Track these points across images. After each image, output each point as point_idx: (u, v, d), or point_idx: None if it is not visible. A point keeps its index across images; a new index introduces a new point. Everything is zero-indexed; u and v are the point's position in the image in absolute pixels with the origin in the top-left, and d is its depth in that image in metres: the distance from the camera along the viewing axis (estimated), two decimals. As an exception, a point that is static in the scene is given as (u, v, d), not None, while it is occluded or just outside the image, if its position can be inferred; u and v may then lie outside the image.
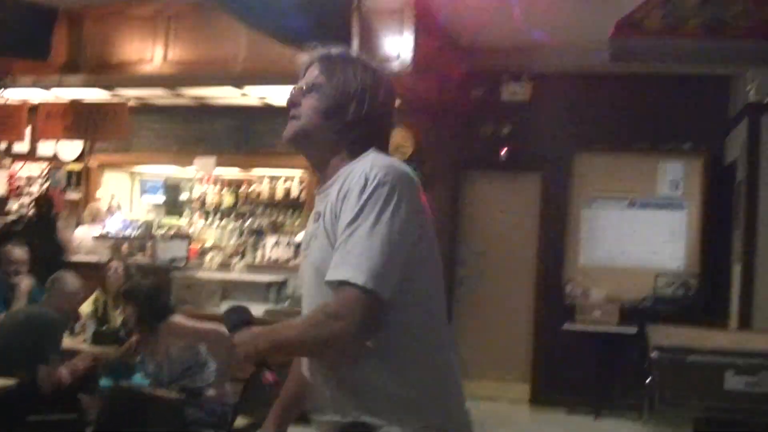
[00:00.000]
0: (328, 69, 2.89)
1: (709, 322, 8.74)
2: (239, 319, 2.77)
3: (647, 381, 6.42)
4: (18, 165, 13.51)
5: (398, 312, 2.64)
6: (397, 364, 2.69)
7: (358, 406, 2.71)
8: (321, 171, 2.92)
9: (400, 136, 11.36)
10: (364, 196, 2.61)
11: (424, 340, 2.75)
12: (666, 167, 10.20)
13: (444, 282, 2.88)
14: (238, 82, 10.41)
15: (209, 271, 10.90)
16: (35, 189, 13.35)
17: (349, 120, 2.85)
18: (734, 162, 8.82)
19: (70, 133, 11.71)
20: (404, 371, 2.69)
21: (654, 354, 6.22)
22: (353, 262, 2.54)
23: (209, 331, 6.71)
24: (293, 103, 2.90)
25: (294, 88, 2.93)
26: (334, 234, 2.68)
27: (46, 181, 13.32)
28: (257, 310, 9.09)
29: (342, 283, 2.54)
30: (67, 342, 7.35)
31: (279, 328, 2.79)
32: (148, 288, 6.92)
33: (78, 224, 12.53)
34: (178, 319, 6.81)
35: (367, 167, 2.67)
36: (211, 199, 12.92)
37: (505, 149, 11.18)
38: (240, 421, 6.41)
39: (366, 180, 2.63)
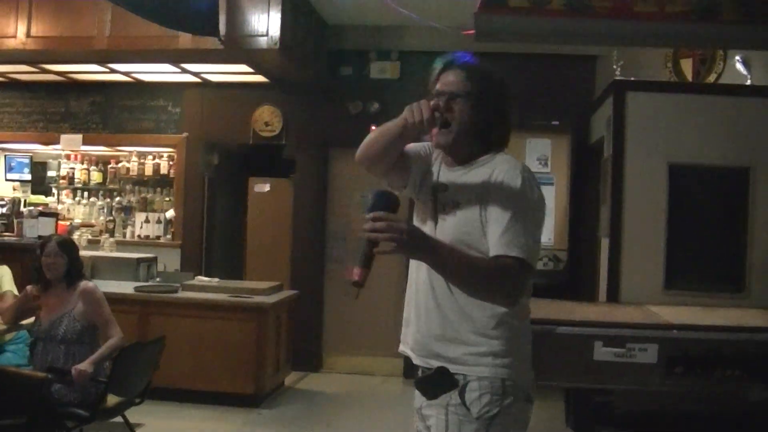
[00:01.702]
0: (475, 78, 3.38)
1: (578, 296, 8.88)
2: (387, 201, 3.07)
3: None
4: None
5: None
6: (510, 326, 3.29)
7: (443, 349, 3.29)
8: (453, 154, 3.45)
9: (268, 113, 11.34)
10: (524, 194, 3.22)
11: (526, 308, 3.42)
12: (534, 144, 10.32)
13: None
14: (103, 58, 10.26)
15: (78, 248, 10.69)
16: None
17: (494, 128, 3.39)
18: (601, 139, 8.96)
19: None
20: (499, 321, 3.26)
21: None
22: (522, 243, 3.14)
23: (107, 313, 6.67)
24: (441, 108, 3.33)
25: (438, 93, 3.39)
26: (485, 210, 3.24)
27: None
28: (127, 287, 9.00)
29: (517, 259, 3.12)
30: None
31: (467, 254, 3.20)
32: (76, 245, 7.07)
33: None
34: (93, 285, 6.75)
35: (516, 167, 3.29)
36: (78, 177, 12.73)
37: (374, 126, 11.14)
38: (112, 400, 6.33)
39: (521, 180, 3.23)
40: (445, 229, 3.32)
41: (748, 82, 8.07)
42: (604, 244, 8.44)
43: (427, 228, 3.38)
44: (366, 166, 3.58)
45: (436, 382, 3.22)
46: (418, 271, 3.43)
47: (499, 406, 3.15)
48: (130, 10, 8.27)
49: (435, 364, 3.26)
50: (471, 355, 3.21)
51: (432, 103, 3.29)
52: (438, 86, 3.42)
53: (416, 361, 3.39)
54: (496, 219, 3.18)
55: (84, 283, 6.70)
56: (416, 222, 3.52)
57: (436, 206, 3.42)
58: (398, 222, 2.98)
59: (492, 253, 3.16)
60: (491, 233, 3.19)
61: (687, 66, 8.88)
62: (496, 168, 3.27)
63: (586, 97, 10.61)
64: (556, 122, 10.40)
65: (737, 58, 8.13)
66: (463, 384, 3.18)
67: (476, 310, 3.23)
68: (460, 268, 3.11)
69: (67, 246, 6.80)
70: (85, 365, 6.18)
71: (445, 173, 3.45)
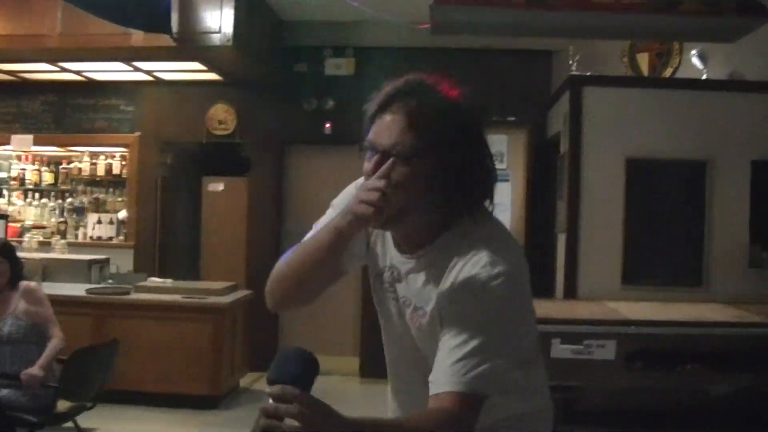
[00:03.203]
0: (425, 127, 2.32)
1: (535, 293, 8.81)
2: (309, 372, 2.32)
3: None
4: None
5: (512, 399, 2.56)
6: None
7: None
8: (405, 233, 2.50)
9: (222, 111, 11.24)
10: (485, 306, 2.28)
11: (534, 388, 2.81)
12: (490, 140, 10.19)
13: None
14: (55, 57, 10.12)
15: (29, 250, 10.56)
16: None
17: (456, 188, 2.37)
18: (557, 134, 8.93)
19: None
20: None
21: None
22: (471, 374, 2.22)
23: (49, 312, 6.62)
24: (378, 174, 2.32)
25: (373, 148, 2.39)
26: (440, 317, 2.37)
27: None
28: (79, 289, 8.88)
29: (461, 394, 2.21)
30: None
31: (384, 427, 2.30)
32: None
33: None
34: (35, 285, 6.70)
35: (486, 261, 2.31)
36: (30, 178, 12.58)
37: (329, 124, 11.12)
38: (63, 405, 6.22)
39: (486, 284, 2.29)
40: (422, 337, 2.52)
41: (705, 77, 8.08)
42: (561, 239, 8.41)
43: (398, 332, 2.66)
44: (286, 309, 2.70)
45: None
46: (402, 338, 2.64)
47: None
48: (82, 8, 8.17)
49: None
50: None
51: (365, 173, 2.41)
52: (370, 135, 2.42)
53: None
54: (445, 338, 2.32)
55: (25, 283, 6.68)
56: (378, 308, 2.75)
57: (398, 301, 2.59)
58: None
59: (431, 390, 2.28)
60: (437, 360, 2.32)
61: (643, 60, 8.87)
62: (463, 263, 2.35)
63: (542, 93, 10.59)
64: (512, 118, 10.37)
65: (693, 52, 8.13)
66: None
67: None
68: None
69: (7, 250, 6.76)
70: (35, 370, 6.08)
71: (394, 255, 2.57)
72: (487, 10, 5.75)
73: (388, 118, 2.35)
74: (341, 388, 10.34)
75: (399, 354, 2.73)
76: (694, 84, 8.01)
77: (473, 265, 2.31)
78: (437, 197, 2.34)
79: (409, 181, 2.29)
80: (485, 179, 2.47)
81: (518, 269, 2.42)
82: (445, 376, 2.24)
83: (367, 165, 2.38)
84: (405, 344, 2.61)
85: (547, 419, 2.87)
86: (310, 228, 2.63)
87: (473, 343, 2.24)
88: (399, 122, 2.32)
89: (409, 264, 2.49)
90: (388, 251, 2.58)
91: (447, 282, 2.35)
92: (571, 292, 7.97)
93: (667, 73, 8.60)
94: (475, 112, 2.48)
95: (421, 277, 2.46)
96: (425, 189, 2.32)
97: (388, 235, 2.57)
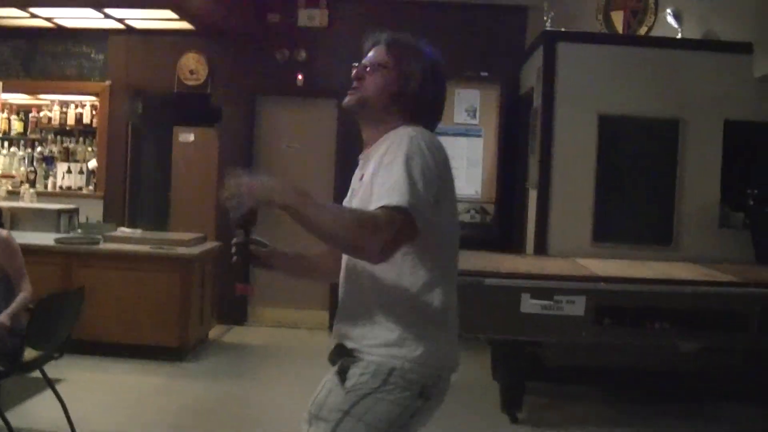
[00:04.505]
0: (395, 52, 3.20)
1: (506, 249, 8.84)
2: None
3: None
4: None
5: (419, 248, 2.94)
6: (401, 295, 2.98)
7: (347, 329, 3.05)
8: (370, 138, 3.20)
9: (193, 61, 11.15)
10: (403, 144, 2.88)
11: (441, 293, 3.01)
12: (462, 95, 10.23)
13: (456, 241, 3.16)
14: (24, 2, 9.92)
15: (-3, 199, 10.47)
16: None
17: (406, 100, 3.14)
18: (530, 90, 8.91)
19: None
20: (402, 305, 2.97)
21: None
22: (393, 187, 2.78)
23: (20, 264, 6.48)
24: (358, 77, 3.21)
25: (359, 65, 3.24)
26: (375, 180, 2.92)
27: None
28: (48, 239, 8.82)
29: (383, 207, 2.76)
30: None
31: (319, 204, 2.80)
32: None
33: None
34: (6, 234, 6.55)
35: (409, 129, 2.98)
36: (-2, 126, 12.40)
37: (301, 75, 11.06)
38: (29, 354, 6.18)
39: (405, 136, 2.93)
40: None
41: (679, 35, 8.07)
42: (533, 195, 8.42)
43: None
44: None
45: (337, 354, 3.07)
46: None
47: (372, 389, 2.92)
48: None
49: (343, 342, 3.09)
50: (367, 343, 2.98)
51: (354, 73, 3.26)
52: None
53: (332, 338, 3.20)
54: (377, 182, 2.90)
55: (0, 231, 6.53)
56: None
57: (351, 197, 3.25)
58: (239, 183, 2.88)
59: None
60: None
61: (618, 18, 8.87)
62: (391, 136, 3.03)
63: (516, 49, 10.53)
64: (485, 73, 10.33)
65: (668, 11, 8.13)
66: (356, 360, 2.98)
67: (377, 293, 3.00)
68: (318, 211, 2.78)
69: None
70: (2, 317, 6.03)
71: (360, 164, 3.24)
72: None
73: (372, 49, 3.26)
74: (310, 341, 10.37)
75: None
76: (668, 43, 8.02)
77: (397, 132, 3.02)
78: (393, 101, 3.14)
79: (377, 78, 3.16)
80: (432, 107, 3.24)
81: (428, 134, 3.02)
82: (376, 197, 2.82)
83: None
84: None
85: (426, 363, 3.00)
86: (281, 179, 2.88)
87: (395, 171, 2.82)
88: (379, 49, 3.23)
89: (364, 158, 3.19)
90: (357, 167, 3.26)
91: (380, 150, 2.99)
92: (541, 249, 8.00)
93: (642, 31, 8.60)
94: (438, 58, 3.25)
95: (368, 162, 3.09)
96: (384, 88, 3.14)
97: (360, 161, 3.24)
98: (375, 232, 2.72)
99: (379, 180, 2.85)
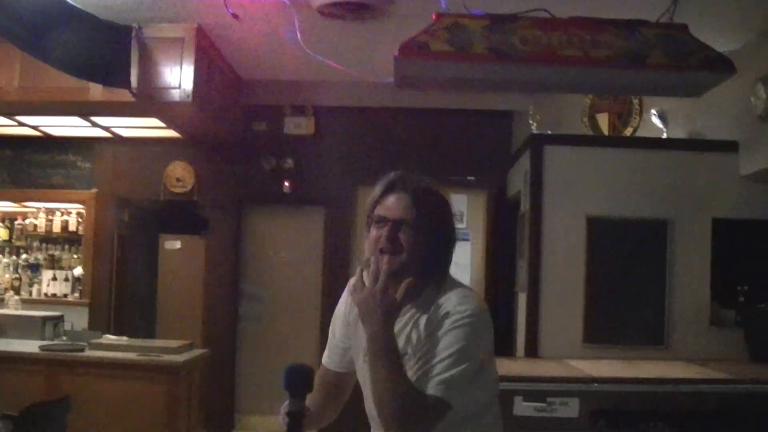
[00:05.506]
0: (416, 201, 3.13)
1: (496, 352, 8.76)
2: (303, 381, 3.12)
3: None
4: None
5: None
6: None
7: None
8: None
9: (180, 169, 11.18)
10: (458, 327, 3.01)
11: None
12: (450, 199, 10.20)
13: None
14: (12, 110, 9.97)
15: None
16: None
17: (441, 248, 3.20)
18: (518, 193, 8.93)
19: None
20: None
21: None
22: (445, 380, 2.90)
23: None
24: (392, 239, 3.06)
25: (376, 221, 3.14)
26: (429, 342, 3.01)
27: None
28: (32, 346, 8.72)
29: (433, 397, 2.86)
30: None
31: (393, 368, 2.91)
32: None
33: None
34: None
35: (461, 298, 3.11)
36: (-17, 234, 12.37)
37: (288, 183, 11.08)
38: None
39: (461, 312, 3.04)
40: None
41: (664, 136, 8.12)
42: (522, 298, 8.38)
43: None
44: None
45: None
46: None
47: None
48: (40, 59, 8.07)
49: None
50: None
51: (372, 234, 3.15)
52: (379, 211, 3.17)
53: None
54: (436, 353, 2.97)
55: None
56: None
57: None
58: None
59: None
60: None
61: (603, 120, 8.94)
62: (446, 302, 3.08)
63: (502, 153, 10.62)
64: (472, 177, 10.37)
65: (653, 111, 8.19)
66: None
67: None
68: (390, 365, 2.90)
69: None
70: None
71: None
72: (451, 63, 5.69)
73: (393, 197, 3.16)
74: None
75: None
76: (654, 143, 8.06)
77: (451, 304, 3.07)
78: (430, 255, 3.13)
79: (414, 241, 3.08)
80: (453, 245, 3.31)
81: (482, 310, 3.18)
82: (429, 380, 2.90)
83: (375, 233, 3.12)
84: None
85: None
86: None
87: (448, 353, 2.95)
88: (404, 200, 3.13)
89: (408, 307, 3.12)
90: None
91: (434, 314, 3.05)
92: (532, 351, 7.92)
93: (628, 132, 8.66)
94: (445, 194, 3.32)
95: (414, 313, 3.14)
96: (424, 247, 3.10)
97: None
98: (422, 420, 2.89)
99: (436, 359, 2.94)
